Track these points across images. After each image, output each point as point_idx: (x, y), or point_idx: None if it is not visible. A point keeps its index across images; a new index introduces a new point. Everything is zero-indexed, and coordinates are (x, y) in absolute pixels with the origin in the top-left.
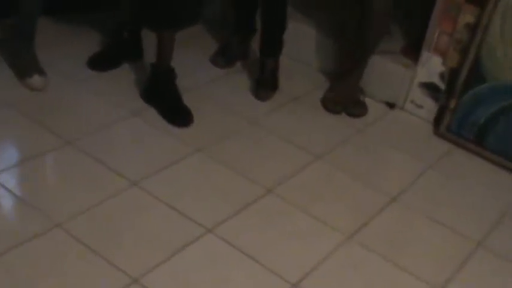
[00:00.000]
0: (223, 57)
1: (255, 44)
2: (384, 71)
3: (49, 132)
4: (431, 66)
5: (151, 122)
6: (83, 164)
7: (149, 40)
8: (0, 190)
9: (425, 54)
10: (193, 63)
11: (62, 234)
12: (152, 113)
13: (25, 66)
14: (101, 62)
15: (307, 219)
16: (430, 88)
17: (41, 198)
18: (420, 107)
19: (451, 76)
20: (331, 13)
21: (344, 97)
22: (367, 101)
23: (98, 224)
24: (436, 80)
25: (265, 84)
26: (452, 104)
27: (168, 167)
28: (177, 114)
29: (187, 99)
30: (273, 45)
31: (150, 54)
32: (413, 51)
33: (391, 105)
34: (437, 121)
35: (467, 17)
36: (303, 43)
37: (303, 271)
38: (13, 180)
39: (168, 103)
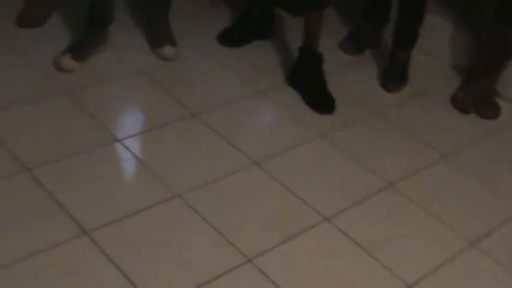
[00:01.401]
0: (353, 44)
1: (387, 32)
2: None
3: (177, 102)
4: None
5: (277, 101)
6: (206, 137)
7: (281, 21)
8: (126, 154)
9: None
10: (320, 47)
11: (181, 205)
12: (277, 94)
13: (158, 36)
14: (231, 38)
15: (427, 219)
16: None
17: (163, 166)
18: None
19: None
20: (469, 7)
21: (476, 97)
22: (501, 102)
23: (216, 198)
24: None
25: (394, 76)
26: None
27: (289, 149)
28: (321, 100)
29: None
30: (407, 37)
31: (279, 35)
32: None
33: None
34: None
35: None
36: (437, 36)
37: (421, 272)
38: (139, 146)
39: (312, 88)
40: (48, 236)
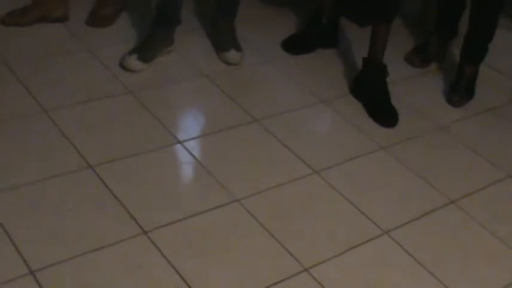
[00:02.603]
0: (419, 56)
1: (455, 46)
2: None
3: (239, 107)
4: None
5: (338, 111)
6: (267, 144)
7: (347, 30)
8: (186, 156)
9: None
10: (386, 59)
11: (240, 210)
12: (340, 104)
13: (224, 40)
14: (295, 45)
15: (490, 239)
16: None
17: (223, 170)
18: None
19: None
20: None
21: None
22: None
23: (275, 205)
24: None
25: (460, 91)
26: None
27: (350, 160)
28: (383, 113)
29: None
30: (476, 52)
31: (344, 44)
32: None
33: None
34: None
35: None
36: (506, 52)
37: None
38: (200, 149)
39: (376, 100)
40: (109, 233)
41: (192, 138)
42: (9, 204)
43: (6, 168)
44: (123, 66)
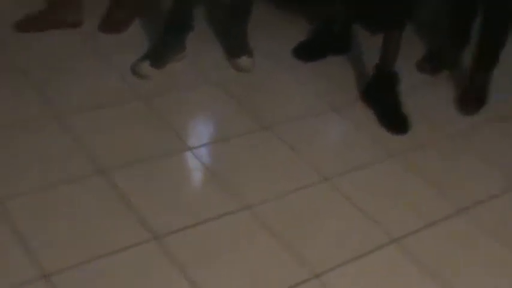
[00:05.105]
0: (431, 63)
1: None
2: None
3: (250, 114)
4: None
5: (349, 118)
6: (277, 150)
7: (358, 37)
8: (197, 163)
9: None
10: (397, 66)
11: (250, 217)
12: (351, 110)
13: (235, 47)
14: (306, 52)
15: (499, 249)
16: None
17: (233, 178)
18: None
19: None
20: None
21: None
22: None
23: (286, 213)
24: None
25: (471, 99)
26: None
27: (360, 168)
28: (395, 120)
29: None
30: (487, 60)
31: (356, 51)
32: None
33: None
34: None
35: None
36: None
37: None
38: (210, 156)
39: (387, 107)
40: (121, 238)
41: (203, 145)
42: (22, 209)
43: (18, 173)
44: (134, 72)
